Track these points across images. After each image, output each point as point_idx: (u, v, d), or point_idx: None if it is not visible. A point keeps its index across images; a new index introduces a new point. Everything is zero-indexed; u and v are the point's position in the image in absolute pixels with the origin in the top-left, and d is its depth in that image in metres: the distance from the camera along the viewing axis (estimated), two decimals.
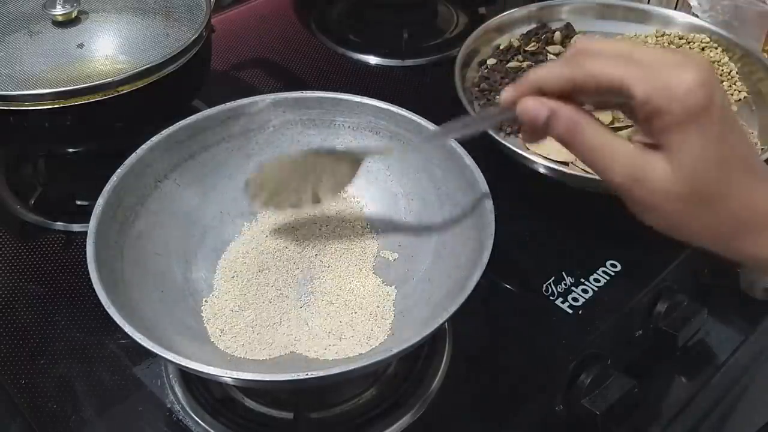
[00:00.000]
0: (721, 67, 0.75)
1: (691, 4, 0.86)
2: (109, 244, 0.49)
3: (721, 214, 0.36)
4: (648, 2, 0.88)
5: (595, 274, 0.62)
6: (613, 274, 0.62)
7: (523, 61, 0.77)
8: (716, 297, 0.66)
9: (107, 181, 0.51)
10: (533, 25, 0.82)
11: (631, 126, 0.63)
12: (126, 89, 0.60)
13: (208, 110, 0.58)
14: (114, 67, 0.72)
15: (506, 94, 0.40)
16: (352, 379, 0.53)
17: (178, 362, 0.41)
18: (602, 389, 0.54)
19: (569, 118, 0.37)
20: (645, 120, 0.35)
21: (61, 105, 0.59)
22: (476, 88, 0.75)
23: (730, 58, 0.76)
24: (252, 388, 0.53)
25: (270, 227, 0.59)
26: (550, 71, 0.38)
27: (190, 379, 0.54)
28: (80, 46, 0.73)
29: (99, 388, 0.54)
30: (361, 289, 0.54)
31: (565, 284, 0.61)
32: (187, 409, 0.53)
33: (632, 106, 0.35)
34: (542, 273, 0.62)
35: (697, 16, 0.84)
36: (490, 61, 0.78)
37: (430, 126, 0.55)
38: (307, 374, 0.41)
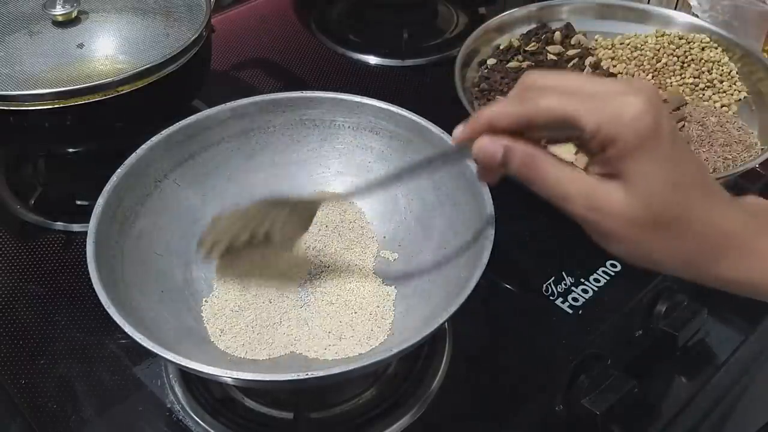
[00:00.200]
0: (721, 67, 0.75)
1: (691, 4, 0.86)
2: (109, 244, 0.49)
3: (685, 238, 0.36)
4: (648, 2, 0.88)
5: (595, 274, 0.62)
6: (613, 274, 0.62)
7: (523, 61, 0.77)
8: (716, 297, 0.65)
9: (107, 181, 0.51)
10: (533, 25, 0.82)
11: None
12: (126, 89, 0.60)
13: (208, 110, 0.57)
14: (114, 67, 0.72)
15: (458, 132, 0.41)
16: (352, 379, 0.53)
17: (178, 362, 0.41)
18: (602, 389, 0.54)
19: (525, 152, 0.38)
20: (598, 150, 0.35)
21: (61, 105, 0.59)
22: (476, 88, 0.75)
23: (730, 58, 0.76)
24: (252, 388, 0.53)
25: None
26: (502, 109, 0.38)
27: (190, 379, 0.54)
28: (80, 46, 0.73)
29: (99, 388, 0.54)
30: (361, 289, 0.54)
31: (565, 284, 0.61)
32: (187, 409, 0.53)
33: (584, 138, 0.35)
34: (542, 273, 0.62)
35: (697, 16, 0.84)
36: (490, 61, 0.78)
37: (431, 126, 0.55)
38: (307, 374, 0.41)
